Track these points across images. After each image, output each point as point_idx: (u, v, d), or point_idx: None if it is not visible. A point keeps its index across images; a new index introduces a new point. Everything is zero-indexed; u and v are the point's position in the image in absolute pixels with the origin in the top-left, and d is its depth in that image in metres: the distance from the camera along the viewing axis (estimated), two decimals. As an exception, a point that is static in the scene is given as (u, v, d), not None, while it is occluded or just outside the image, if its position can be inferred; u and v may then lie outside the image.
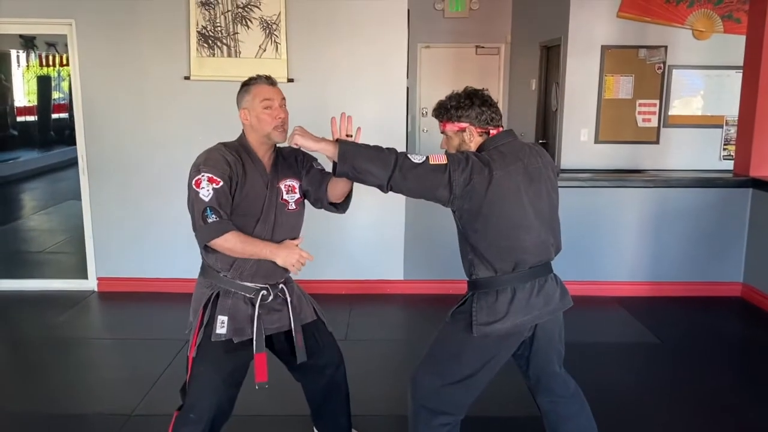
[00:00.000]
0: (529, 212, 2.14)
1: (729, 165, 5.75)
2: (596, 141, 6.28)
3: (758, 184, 4.72)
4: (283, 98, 2.28)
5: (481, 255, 2.17)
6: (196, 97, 4.65)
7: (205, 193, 2.12)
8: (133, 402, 3.20)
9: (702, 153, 6.29)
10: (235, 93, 2.32)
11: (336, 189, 2.34)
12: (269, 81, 2.28)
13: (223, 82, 4.53)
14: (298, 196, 2.36)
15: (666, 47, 6.11)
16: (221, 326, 2.22)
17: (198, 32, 4.54)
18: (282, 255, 2.19)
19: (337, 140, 2.14)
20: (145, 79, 4.66)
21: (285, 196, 2.32)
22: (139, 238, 4.86)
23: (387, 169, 2.06)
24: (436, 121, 2.30)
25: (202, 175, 2.14)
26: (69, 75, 4.69)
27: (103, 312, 4.73)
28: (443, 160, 2.08)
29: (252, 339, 2.25)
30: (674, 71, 6.17)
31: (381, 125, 4.66)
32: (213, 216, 2.12)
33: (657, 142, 6.31)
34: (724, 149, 6.26)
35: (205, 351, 2.22)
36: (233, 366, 2.27)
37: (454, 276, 4.84)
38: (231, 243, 2.15)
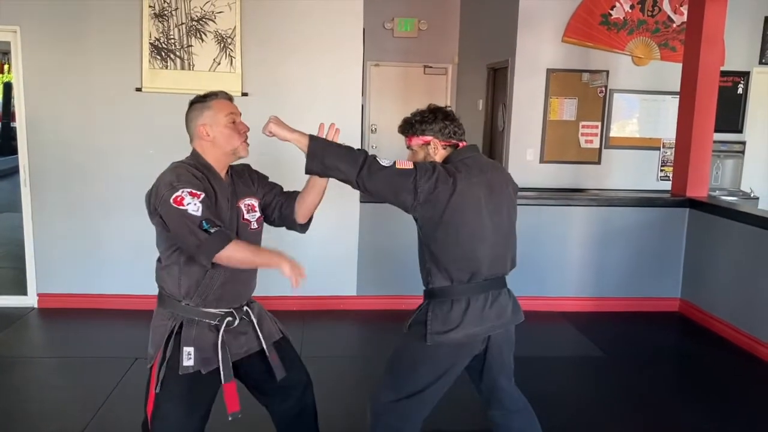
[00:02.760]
0: (488, 225, 2.22)
1: (666, 185, 6.03)
2: (541, 161, 6.47)
3: (694, 204, 4.96)
4: (240, 113, 2.24)
5: (439, 264, 2.23)
6: (148, 110, 4.55)
7: (194, 207, 1.97)
8: (82, 422, 3.08)
9: (640, 173, 6.56)
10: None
11: (303, 206, 2.31)
12: (228, 96, 2.22)
13: (176, 94, 4.47)
14: (258, 214, 2.30)
15: (607, 72, 6.38)
16: (188, 358, 2.08)
17: (151, 44, 4.46)
18: (289, 265, 2.03)
19: (310, 136, 2.17)
20: (94, 90, 4.54)
21: (246, 216, 2.25)
22: (84, 253, 4.70)
23: (355, 167, 2.12)
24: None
25: (182, 191, 1.99)
26: (2, 83, 4.53)
27: (44, 330, 4.54)
28: (410, 166, 2.15)
29: (219, 368, 2.13)
30: (615, 95, 6.44)
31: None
32: (211, 227, 1.96)
33: (598, 162, 6.55)
34: (661, 170, 6.56)
35: (171, 386, 2.08)
36: (201, 398, 2.15)
37: (408, 291, 4.90)
38: (239, 252, 2.01)
